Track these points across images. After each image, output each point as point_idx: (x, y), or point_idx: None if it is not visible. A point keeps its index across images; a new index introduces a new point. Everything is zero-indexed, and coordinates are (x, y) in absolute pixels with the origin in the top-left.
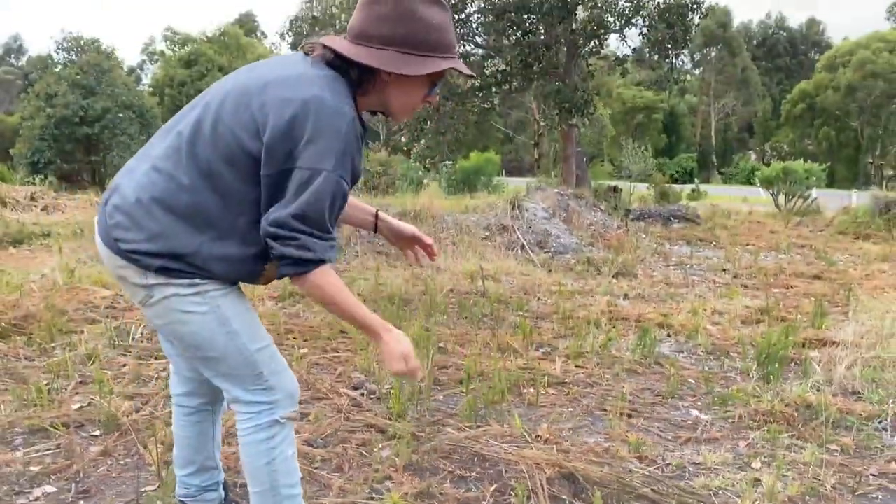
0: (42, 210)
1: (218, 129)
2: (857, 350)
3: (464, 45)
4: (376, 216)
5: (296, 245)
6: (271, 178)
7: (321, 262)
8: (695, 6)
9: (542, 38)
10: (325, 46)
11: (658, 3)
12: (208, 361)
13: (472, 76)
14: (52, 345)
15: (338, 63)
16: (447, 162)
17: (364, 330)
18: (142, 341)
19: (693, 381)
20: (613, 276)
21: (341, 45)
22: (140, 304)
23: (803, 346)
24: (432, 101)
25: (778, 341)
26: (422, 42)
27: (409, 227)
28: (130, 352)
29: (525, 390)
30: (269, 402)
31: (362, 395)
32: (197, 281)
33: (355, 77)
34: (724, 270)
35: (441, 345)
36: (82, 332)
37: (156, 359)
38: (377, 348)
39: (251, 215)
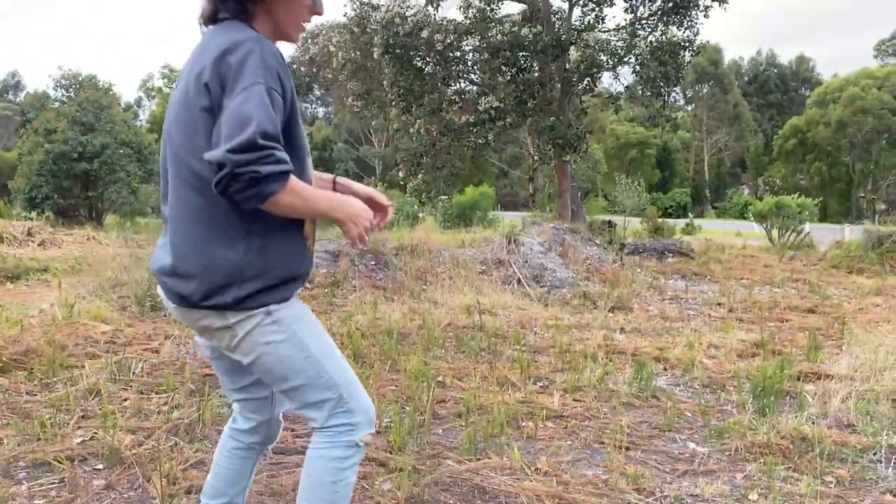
0: (39, 245)
1: (185, 141)
2: (851, 383)
3: (459, 82)
4: (334, 182)
5: (273, 161)
6: None
7: (292, 171)
8: (686, 44)
9: (537, 75)
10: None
11: (650, 41)
12: (296, 391)
13: None
14: (54, 379)
15: (225, 11)
16: (443, 196)
17: (332, 218)
18: (142, 376)
19: (690, 415)
20: (609, 310)
21: None
22: (227, 348)
23: (798, 379)
24: (319, 10)
25: (773, 374)
26: None
27: (364, 189)
28: (132, 386)
29: (524, 423)
30: (350, 424)
31: None
32: (272, 308)
33: (239, 11)
34: (720, 304)
35: (440, 378)
36: (83, 366)
37: (157, 393)
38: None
39: None
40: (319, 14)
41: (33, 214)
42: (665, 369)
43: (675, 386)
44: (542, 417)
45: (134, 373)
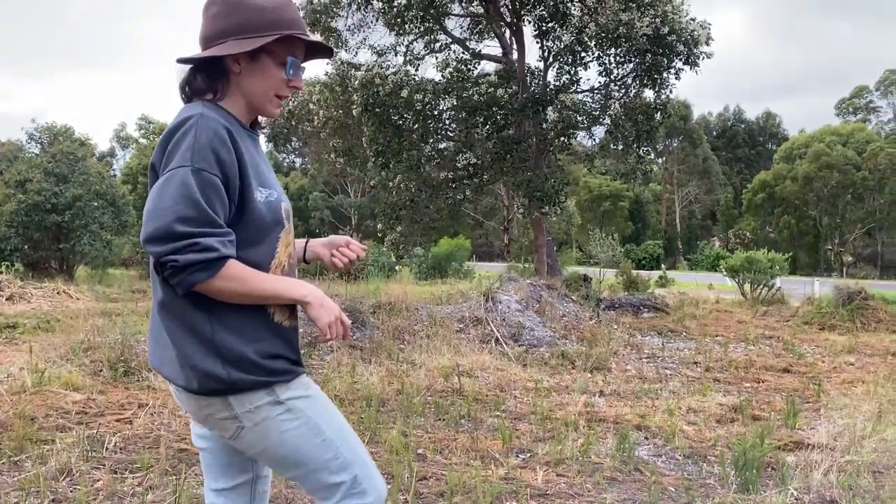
0: (7, 300)
1: None
2: (831, 454)
3: (437, 139)
4: (306, 244)
5: (197, 249)
6: None
7: (227, 257)
8: (660, 106)
9: (513, 132)
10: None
11: (624, 101)
12: (310, 475)
13: (327, 51)
14: (23, 456)
15: (193, 87)
16: (418, 249)
17: (290, 301)
18: (115, 451)
19: (673, 490)
20: (588, 371)
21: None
22: (232, 438)
23: (779, 448)
24: (297, 84)
25: (754, 445)
26: (255, 24)
27: (329, 238)
28: (104, 465)
29: None
30: None
31: None
32: (279, 392)
33: (205, 85)
34: (696, 363)
35: (420, 451)
36: (53, 441)
37: (131, 472)
38: (307, 312)
39: None
40: (298, 89)
41: (2, 267)
42: (646, 438)
43: (656, 457)
44: (527, 496)
45: (107, 448)
